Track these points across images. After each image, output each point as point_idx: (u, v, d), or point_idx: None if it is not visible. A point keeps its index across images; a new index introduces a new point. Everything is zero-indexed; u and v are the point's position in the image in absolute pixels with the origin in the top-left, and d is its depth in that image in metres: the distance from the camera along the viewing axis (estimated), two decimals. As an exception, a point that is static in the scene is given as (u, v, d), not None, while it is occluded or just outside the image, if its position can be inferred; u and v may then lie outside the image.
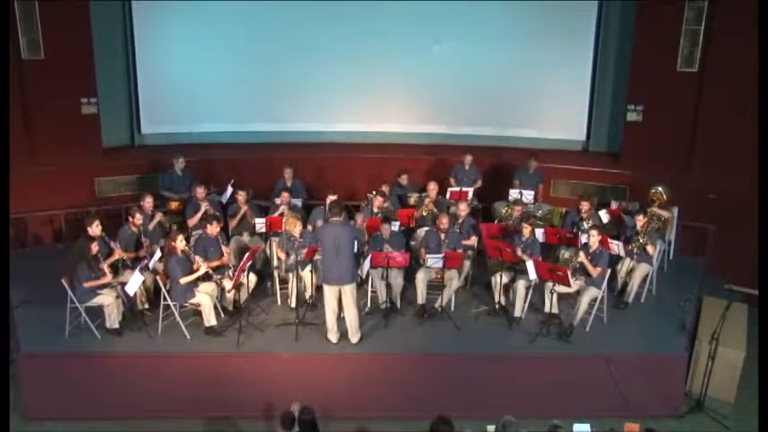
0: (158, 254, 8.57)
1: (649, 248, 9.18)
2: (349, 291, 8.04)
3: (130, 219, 9.02)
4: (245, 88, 12.99)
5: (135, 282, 8.10)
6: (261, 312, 8.93)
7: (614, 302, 9.24)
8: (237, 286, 8.53)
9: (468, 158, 11.53)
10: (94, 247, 8.17)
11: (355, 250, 8.23)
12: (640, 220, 9.29)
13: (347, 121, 13.31)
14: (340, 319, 8.29)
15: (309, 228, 9.42)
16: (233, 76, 12.90)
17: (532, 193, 10.95)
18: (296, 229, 8.99)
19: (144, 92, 12.71)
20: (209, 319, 8.31)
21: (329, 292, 8.06)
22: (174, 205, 10.48)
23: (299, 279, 8.77)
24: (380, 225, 9.22)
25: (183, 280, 8.21)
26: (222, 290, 8.65)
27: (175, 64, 12.70)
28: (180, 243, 8.24)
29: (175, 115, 12.92)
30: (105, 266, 8.18)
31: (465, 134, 13.17)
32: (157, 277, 8.48)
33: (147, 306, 8.71)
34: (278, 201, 10.20)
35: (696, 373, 8.36)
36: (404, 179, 11.31)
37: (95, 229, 8.41)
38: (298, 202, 10.63)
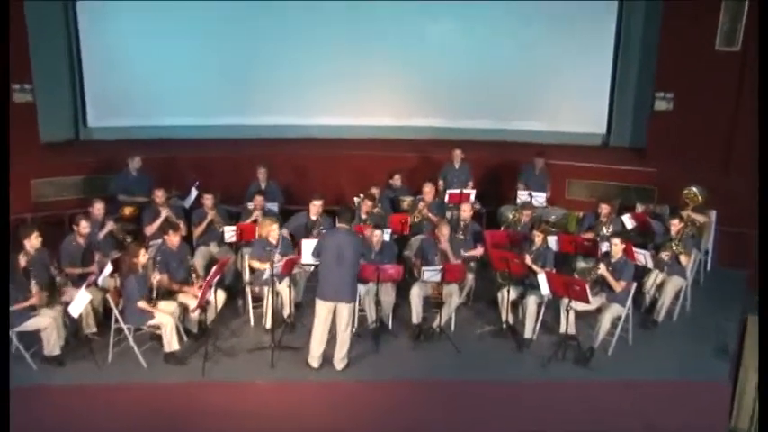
0: (109, 268, 8.42)
1: (683, 258, 9.14)
2: (345, 311, 7.97)
3: (76, 228, 8.85)
4: (211, 76, 12.96)
5: (80, 301, 7.91)
6: (231, 335, 8.89)
7: (641, 321, 9.19)
8: (203, 305, 8.41)
9: (458, 154, 11.55)
10: (22, 260, 8.00)
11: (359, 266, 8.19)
12: (675, 225, 9.26)
13: (330, 114, 13.32)
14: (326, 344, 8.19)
15: (285, 232, 9.36)
16: (198, 61, 12.86)
17: (544, 194, 10.98)
18: (272, 234, 8.95)
19: (91, 78, 12.63)
20: (171, 344, 8.19)
21: (323, 310, 7.97)
22: (128, 211, 10.36)
23: (276, 295, 8.68)
24: (370, 233, 9.19)
25: (142, 305, 8.11)
26: (185, 309, 8.57)
27: (129, 46, 12.63)
28: (141, 258, 8.18)
29: (129, 106, 12.85)
30: (33, 285, 7.96)
31: (465, 128, 13.25)
32: (108, 295, 8.34)
33: (94, 330, 8.57)
34: (250, 205, 10.22)
35: (743, 407, 8.34)
36: (396, 180, 11.36)
37: (34, 241, 8.23)
38: (273, 206, 10.60)
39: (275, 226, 9.05)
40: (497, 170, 12.08)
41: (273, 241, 8.95)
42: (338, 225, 8.06)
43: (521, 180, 11.48)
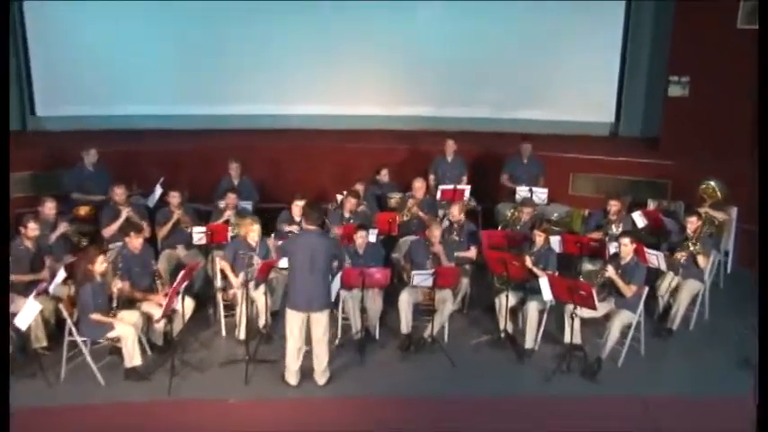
0: (62, 274, 8.35)
1: (701, 259, 9.15)
2: (320, 320, 7.95)
3: (23, 230, 8.75)
4: (177, 60, 12.95)
5: (28, 312, 7.83)
6: (200, 348, 8.89)
7: (654, 330, 9.22)
8: (169, 314, 8.32)
9: (451, 145, 11.55)
10: None
11: (333, 271, 8.21)
12: (692, 223, 9.26)
13: (309, 102, 13.31)
14: (304, 357, 8.17)
15: (270, 242, 9.32)
16: (162, 43, 12.84)
17: (545, 190, 10.96)
18: (252, 234, 8.98)
19: (38, 60, 12.57)
20: (132, 359, 8.14)
21: (294, 320, 7.95)
22: (83, 211, 10.33)
23: (251, 303, 8.66)
24: (354, 234, 9.22)
25: (96, 317, 8.06)
26: (149, 319, 8.54)
27: (83, 24, 12.56)
28: (100, 266, 8.14)
29: (85, 93, 12.81)
30: None
31: (459, 117, 13.28)
32: (60, 305, 8.26)
33: (45, 344, 8.51)
34: (222, 204, 10.22)
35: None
36: (383, 175, 11.37)
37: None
38: (247, 205, 10.62)
39: (256, 227, 9.05)
40: (494, 163, 12.06)
41: (253, 243, 8.94)
42: (306, 227, 8.03)
43: (505, 172, 11.50)
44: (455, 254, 9.36)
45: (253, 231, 9.02)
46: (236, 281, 8.90)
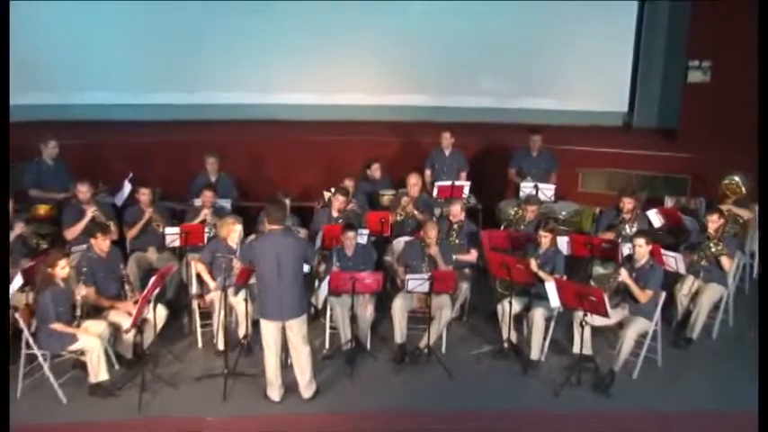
0: (19, 281, 8.32)
1: (724, 261, 9.14)
2: (296, 327, 7.97)
3: (-27, 232, 8.77)
4: (148, 43, 12.90)
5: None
6: (174, 361, 8.86)
7: (672, 339, 9.23)
8: (139, 324, 8.30)
9: (448, 138, 11.56)
10: None
11: (305, 271, 8.21)
12: (714, 222, 9.23)
13: (294, 90, 13.33)
14: (286, 368, 8.22)
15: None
16: (131, 24, 12.79)
17: (552, 187, 10.97)
18: (233, 235, 8.99)
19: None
20: (98, 373, 8.11)
21: (269, 331, 7.97)
22: (42, 210, 10.28)
23: (229, 311, 8.63)
24: (342, 234, 9.22)
25: (57, 327, 8.02)
26: (117, 330, 8.52)
27: (40, 2, 12.43)
28: (62, 271, 8.12)
29: (43, 79, 12.73)
30: None
31: (457, 107, 13.28)
32: (17, 315, 8.21)
33: (0, 357, 8.49)
34: (198, 202, 10.21)
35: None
36: (374, 170, 11.36)
37: None
38: (225, 203, 10.63)
39: (238, 227, 9.04)
40: (496, 158, 12.11)
41: (234, 245, 8.92)
42: (269, 227, 8.00)
43: (512, 167, 11.51)
44: (453, 256, 9.35)
45: (234, 232, 9.00)
46: (213, 284, 8.88)
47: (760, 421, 6.62)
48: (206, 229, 9.58)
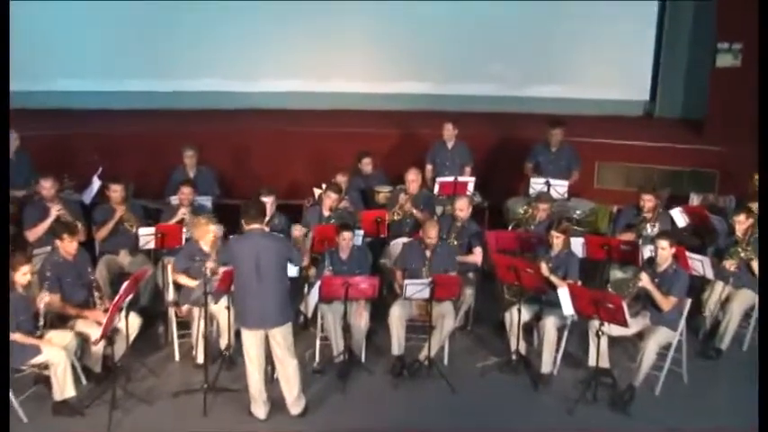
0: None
1: (755, 266, 9.14)
2: (281, 337, 7.94)
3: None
4: (120, 23, 12.93)
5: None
6: (148, 375, 8.85)
7: (699, 350, 9.26)
8: (110, 334, 8.24)
9: (450, 129, 11.56)
10: None
11: (292, 274, 8.20)
12: (741, 223, 9.25)
13: (280, 77, 13.41)
14: (272, 382, 8.21)
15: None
16: (102, 6, 12.80)
17: (565, 183, 10.98)
18: (207, 237, 8.94)
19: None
20: (63, 390, 8.04)
21: (250, 341, 7.97)
22: (2, 208, 10.25)
23: (210, 320, 8.66)
24: (337, 235, 9.24)
25: (18, 338, 7.98)
26: (85, 341, 8.51)
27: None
28: (23, 276, 8.10)
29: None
30: None
31: (461, 95, 13.35)
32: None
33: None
34: (175, 200, 10.24)
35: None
36: (365, 164, 11.35)
37: None
38: (206, 201, 10.65)
39: (212, 227, 9.00)
40: (504, 151, 12.17)
41: (207, 248, 8.89)
42: (248, 227, 7.97)
43: (529, 161, 11.51)
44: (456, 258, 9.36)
45: (208, 233, 8.94)
46: (194, 283, 8.84)
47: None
48: (184, 230, 9.55)
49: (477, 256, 9.64)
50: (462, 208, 9.79)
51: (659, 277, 8.55)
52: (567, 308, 8.42)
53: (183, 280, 9.01)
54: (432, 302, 8.72)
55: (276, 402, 8.14)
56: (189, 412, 8.19)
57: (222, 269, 8.50)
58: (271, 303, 7.82)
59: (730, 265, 9.14)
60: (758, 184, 9.00)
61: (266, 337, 7.96)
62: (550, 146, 11.42)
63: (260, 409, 8.09)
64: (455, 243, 9.60)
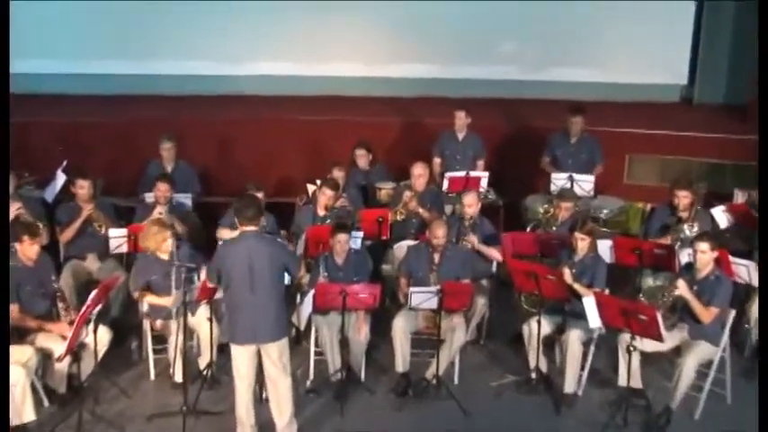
0: None
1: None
2: (276, 353, 7.90)
3: None
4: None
5: None
6: (119, 396, 8.85)
7: (744, 368, 9.21)
8: (76, 350, 8.29)
9: (462, 117, 11.57)
10: None
11: (286, 282, 8.21)
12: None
13: (268, 59, 13.49)
14: (261, 403, 8.17)
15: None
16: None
17: (591, 178, 11.00)
18: (165, 245, 8.88)
19: None
20: (22, 413, 8.02)
21: (240, 357, 7.92)
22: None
23: (189, 334, 8.67)
24: (332, 237, 9.20)
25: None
26: (48, 357, 8.50)
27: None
28: None
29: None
30: None
31: (472, 79, 13.40)
32: None
33: None
34: (150, 197, 10.27)
35: None
36: (359, 157, 11.37)
37: None
38: (185, 199, 10.71)
39: (167, 233, 8.91)
40: (521, 143, 12.22)
41: (167, 257, 8.82)
42: (241, 228, 7.92)
43: (546, 155, 11.53)
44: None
45: (166, 240, 8.84)
46: (165, 301, 8.82)
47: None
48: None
49: (497, 253, 9.64)
50: (471, 204, 9.79)
51: (699, 285, 8.49)
52: (594, 320, 8.40)
53: (153, 300, 8.95)
54: (440, 313, 8.70)
55: (265, 427, 8.07)
56: (165, 438, 8.20)
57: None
58: (264, 315, 7.76)
59: None
60: (759, 185, 8.95)
61: (258, 354, 7.91)
62: (570, 136, 11.39)
63: (246, 434, 8.14)
64: (467, 246, 9.59)
